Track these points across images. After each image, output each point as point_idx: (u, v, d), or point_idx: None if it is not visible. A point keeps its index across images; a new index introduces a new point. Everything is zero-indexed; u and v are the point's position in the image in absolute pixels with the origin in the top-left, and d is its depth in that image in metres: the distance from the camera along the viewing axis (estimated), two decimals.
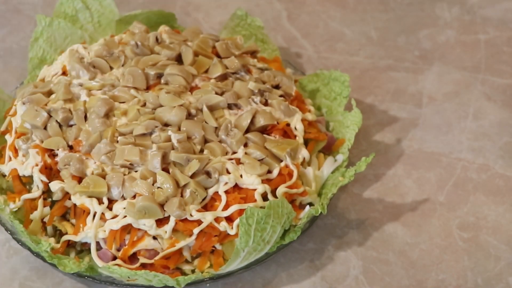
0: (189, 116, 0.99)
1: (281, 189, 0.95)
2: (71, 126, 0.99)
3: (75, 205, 0.94)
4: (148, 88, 1.04)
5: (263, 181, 0.94)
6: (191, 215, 0.91)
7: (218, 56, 1.09)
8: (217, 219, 0.92)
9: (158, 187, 0.91)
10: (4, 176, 1.01)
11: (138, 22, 1.15)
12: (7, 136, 1.03)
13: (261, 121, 1.00)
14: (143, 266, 0.92)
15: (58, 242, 0.95)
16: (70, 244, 0.95)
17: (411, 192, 1.07)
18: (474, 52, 1.30)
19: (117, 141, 0.96)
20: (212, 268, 0.93)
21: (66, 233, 0.95)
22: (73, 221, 0.95)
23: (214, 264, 0.93)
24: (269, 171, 0.96)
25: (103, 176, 0.93)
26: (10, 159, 1.00)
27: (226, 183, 0.93)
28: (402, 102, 1.21)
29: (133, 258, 0.92)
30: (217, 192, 0.93)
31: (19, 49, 1.31)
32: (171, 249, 0.91)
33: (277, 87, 1.07)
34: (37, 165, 0.96)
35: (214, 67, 1.06)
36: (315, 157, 1.03)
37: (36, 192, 0.95)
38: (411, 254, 1.00)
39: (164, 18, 1.21)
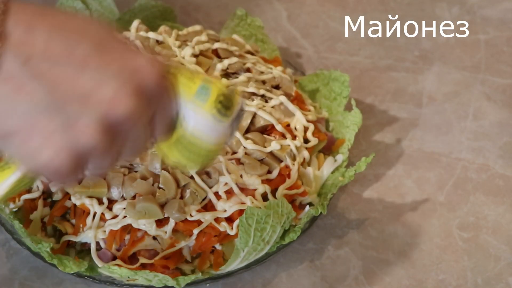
0: None
1: (281, 190, 0.95)
2: None
3: (75, 205, 0.94)
4: None
5: (263, 181, 0.94)
6: (191, 215, 0.91)
7: (218, 56, 1.09)
8: (217, 219, 0.92)
9: (159, 187, 0.91)
10: None
11: (139, 22, 1.14)
12: None
13: (261, 121, 1.00)
14: (143, 266, 0.92)
15: (58, 242, 0.95)
16: (70, 244, 0.95)
17: (411, 192, 1.07)
18: (474, 52, 1.30)
19: None
20: (212, 268, 0.93)
21: (66, 233, 0.95)
22: (73, 221, 0.95)
23: (214, 264, 0.93)
24: (269, 171, 0.96)
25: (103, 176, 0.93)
26: None
27: (226, 183, 0.93)
28: (402, 102, 1.21)
29: (133, 258, 0.92)
30: (217, 192, 0.93)
31: None
32: (171, 249, 0.91)
33: (277, 87, 1.07)
34: None
35: (214, 67, 1.06)
36: (315, 157, 1.03)
37: (36, 192, 0.95)
38: (411, 254, 1.00)
39: (165, 12, 1.20)
